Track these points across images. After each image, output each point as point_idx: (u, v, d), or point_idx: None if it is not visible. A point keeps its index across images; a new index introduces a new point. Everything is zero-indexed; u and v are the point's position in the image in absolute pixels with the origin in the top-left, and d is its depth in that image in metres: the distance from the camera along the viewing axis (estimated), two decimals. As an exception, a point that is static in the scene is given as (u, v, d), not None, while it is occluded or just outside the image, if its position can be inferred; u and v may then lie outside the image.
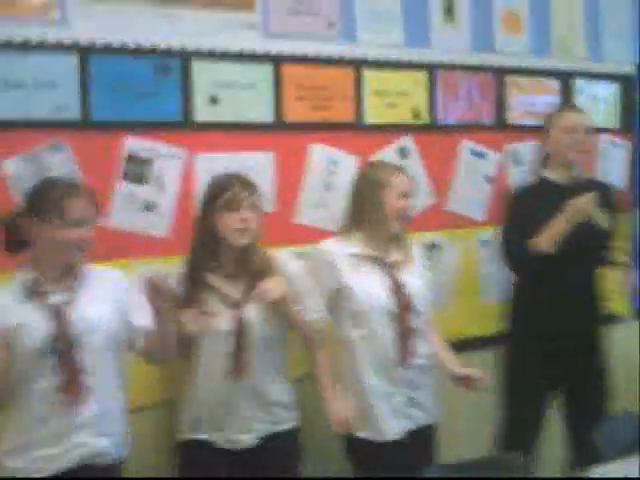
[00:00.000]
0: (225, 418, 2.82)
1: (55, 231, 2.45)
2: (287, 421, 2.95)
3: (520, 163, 3.99)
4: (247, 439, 2.85)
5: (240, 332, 2.79)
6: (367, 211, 3.04)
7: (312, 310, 2.95)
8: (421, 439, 3.10)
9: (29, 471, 2.46)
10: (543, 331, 3.40)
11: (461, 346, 3.60)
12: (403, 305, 3.00)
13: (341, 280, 3.00)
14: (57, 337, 2.44)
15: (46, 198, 2.47)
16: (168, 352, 2.71)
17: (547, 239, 3.24)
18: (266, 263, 2.86)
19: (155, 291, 2.53)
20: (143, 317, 2.61)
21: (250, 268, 2.83)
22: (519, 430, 3.45)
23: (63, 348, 2.44)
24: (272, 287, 2.78)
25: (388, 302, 2.99)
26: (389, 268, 3.04)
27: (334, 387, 3.01)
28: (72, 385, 2.45)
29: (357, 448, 3.06)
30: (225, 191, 2.78)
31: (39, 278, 2.49)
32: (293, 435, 2.97)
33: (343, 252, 3.02)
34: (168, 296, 2.56)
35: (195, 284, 2.79)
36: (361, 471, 3.06)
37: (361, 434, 3.02)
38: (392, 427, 3.01)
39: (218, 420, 2.82)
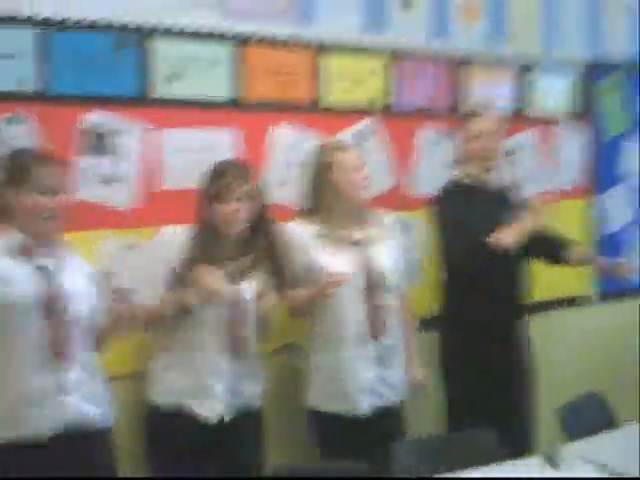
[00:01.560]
0: (214, 387, 2.83)
1: (25, 199, 2.47)
2: (258, 397, 2.99)
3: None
4: (226, 410, 2.86)
5: (238, 305, 2.84)
6: (323, 192, 3.10)
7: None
8: (389, 417, 3.14)
9: (19, 428, 2.44)
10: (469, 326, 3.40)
11: (428, 324, 3.63)
12: (372, 282, 3.05)
13: (309, 259, 3.05)
14: (46, 296, 2.45)
15: (17, 166, 2.50)
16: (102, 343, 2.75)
17: (513, 238, 3.21)
18: (269, 246, 2.93)
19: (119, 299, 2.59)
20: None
21: (254, 249, 2.89)
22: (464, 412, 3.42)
23: (52, 308, 2.46)
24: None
25: (357, 279, 3.02)
26: (357, 246, 3.08)
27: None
28: (59, 344, 2.46)
29: (324, 422, 3.09)
30: (218, 180, 2.82)
31: (26, 239, 2.50)
32: (261, 412, 3.01)
33: (309, 233, 3.07)
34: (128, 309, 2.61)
35: (198, 261, 2.80)
36: (326, 446, 3.08)
37: (330, 408, 3.06)
38: (362, 403, 3.06)
39: (206, 389, 2.83)
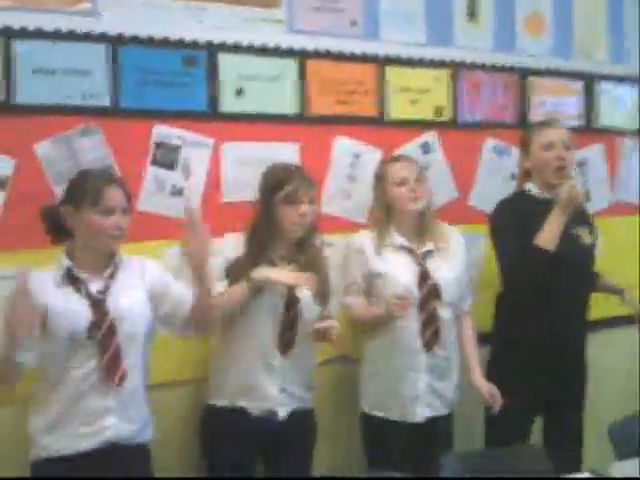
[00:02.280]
0: (265, 385, 2.89)
1: (91, 219, 2.52)
2: (310, 401, 3.04)
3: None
4: (282, 412, 2.92)
5: (291, 308, 2.89)
6: (380, 203, 3.17)
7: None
8: (437, 427, 3.17)
9: (57, 448, 2.52)
10: (527, 343, 3.33)
11: (484, 340, 3.62)
12: (428, 293, 3.08)
13: (370, 267, 3.10)
14: (95, 324, 2.50)
15: (83, 187, 2.56)
16: (208, 319, 2.75)
17: (548, 235, 3.15)
18: (318, 255, 2.98)
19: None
20: (181, 289, 2.70)
21: (304, 255, 2.93)
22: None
23: (101, 335, 2.50)
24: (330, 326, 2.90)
25: (413, 289, 3.05)
26: (418, 257, 3.11)
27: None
28: (109, 370, 2.52)
29: (375, 428, 3.15)
30: (286, 184, 2.86)
31: (77, 266, 2.56)
32: (313, 414, 3.07)
33: (372, 242, 3.13)
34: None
35: (255, 262, 2.85)
36: (376, 452, 3.14)
37: (382, 414, 3.12)
38: (413, 411, 3.10)
39: (258, 387, 2.88)
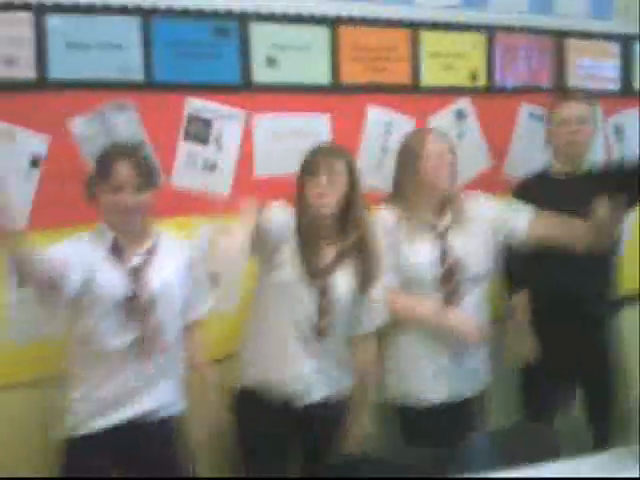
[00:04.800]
0: (297, 369, 2.84)
1: (103, 196, 2.53)
2: (346, 387, 2.96)
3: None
4: (315, 396, 2.88)
5: (324, 294, 2.82)
6: (407, 180, 3.07)
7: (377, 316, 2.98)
8: (470, 407, 3.15)
9: (91, 416, 2.55)
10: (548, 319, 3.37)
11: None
12: (448, 271, 3.02)
13: (392, 248, 3.02)
14: (134, 297, 2.51)
15: (99, 163, 2.56)
16: None
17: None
18: (364, 234, 2.86)
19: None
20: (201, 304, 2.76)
21: (346, 235, 2.84)
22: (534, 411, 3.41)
23: (139, 308, 2.52)
24: None
25: (432, 269, 3.01)
26: (438, 233, 3.05)
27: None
28: (146, 344, 2.53)
29: (401, 415, 3.12)
30: (307, 160, 2.82)
31: (117, 237, 2.56)
32: (345, 403, 2.98)
33: (395, 220, 3.05)
34: None
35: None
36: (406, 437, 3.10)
37: (405, 401, 3.08)
38: (436, 392, 3.06)
39: (290, 371, 2.84)
